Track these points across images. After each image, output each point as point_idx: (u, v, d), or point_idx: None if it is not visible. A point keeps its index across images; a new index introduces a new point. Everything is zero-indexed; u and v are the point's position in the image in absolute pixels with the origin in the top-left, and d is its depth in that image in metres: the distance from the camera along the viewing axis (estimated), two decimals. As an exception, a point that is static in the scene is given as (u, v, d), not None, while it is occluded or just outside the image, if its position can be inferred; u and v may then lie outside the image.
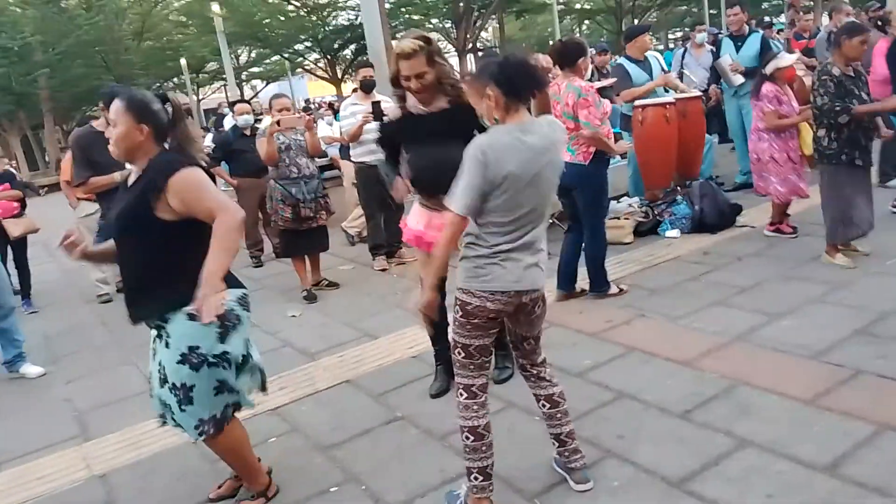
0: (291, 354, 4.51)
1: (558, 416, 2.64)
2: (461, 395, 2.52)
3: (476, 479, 2.50)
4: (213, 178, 2.60)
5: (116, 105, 2.54)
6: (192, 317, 2.45)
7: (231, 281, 2.54)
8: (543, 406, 2.66)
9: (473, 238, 2.42)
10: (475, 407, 2.50)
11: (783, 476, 2.56)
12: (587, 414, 3.16)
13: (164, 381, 2.58)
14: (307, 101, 30.03)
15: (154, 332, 2.63)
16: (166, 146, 2.62)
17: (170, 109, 2.62)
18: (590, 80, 5.74)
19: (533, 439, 2.96)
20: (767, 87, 5.17)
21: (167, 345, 2.53)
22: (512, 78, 2.36)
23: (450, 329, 2.60)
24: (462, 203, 2.34)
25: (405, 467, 2.99)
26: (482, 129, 2.75)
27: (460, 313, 2.45)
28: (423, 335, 4.42)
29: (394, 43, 3.31)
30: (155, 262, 2.51)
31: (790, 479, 2.54)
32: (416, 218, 3.50)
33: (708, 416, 3.02)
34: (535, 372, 2.66)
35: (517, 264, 2.40)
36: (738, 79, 6.76)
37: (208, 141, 10.47)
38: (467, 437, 2.49)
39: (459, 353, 2.50)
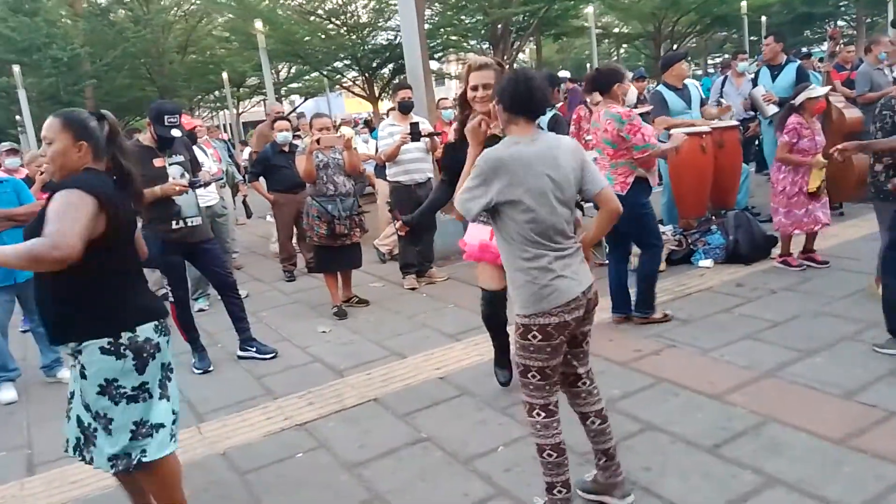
0: (320, 370, 4.56)
1: (608, 430, 2.69)
2: (539, 415, 2.55)
3: (560, 492, 2.54)
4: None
5: (54, 123, 2.48)
6: (104, 350, 2.41)
7: (148, 311, 2.53)
8: (593, 423, 2.67)
9: (526, 265, 2.47)
10: (554, 424, 2.55)
11: (812, 517, 2.53)
12: (613, 444, 3.14)
13: (87, 406, 2.51)
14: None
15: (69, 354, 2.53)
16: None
17: (106, 127, 2.56)
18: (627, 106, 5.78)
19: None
20: (791, 119, 5.19)
21: (83, 375, 2.45)
22: (510, 94, 2.50)
23: (513, 355, 2.63)
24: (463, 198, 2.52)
25: (429, 489, 3.00)
26: None
27: (539, 338, 2.48)
28: (451, 356, 4.48)
29: (470, 55, 3.43)
30: (65, 284, 2.37)
31: (819, 520, 2.51)
32: (477, 232, 3.61)
33: (736, 451, 2.99)
34: (588, 384, 2.68)
35: (571, 268, 2.50)
36: (772, 108, 6.71)
37: (246, 154, 10.73)
38: (549, 455, 2.53)
39: (535, 377, 2.53)
